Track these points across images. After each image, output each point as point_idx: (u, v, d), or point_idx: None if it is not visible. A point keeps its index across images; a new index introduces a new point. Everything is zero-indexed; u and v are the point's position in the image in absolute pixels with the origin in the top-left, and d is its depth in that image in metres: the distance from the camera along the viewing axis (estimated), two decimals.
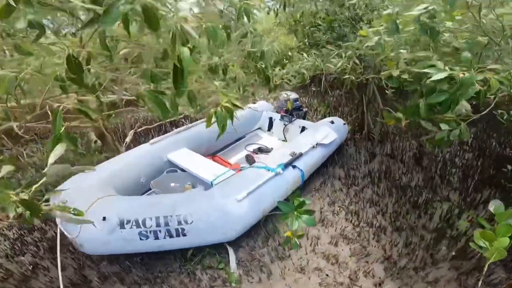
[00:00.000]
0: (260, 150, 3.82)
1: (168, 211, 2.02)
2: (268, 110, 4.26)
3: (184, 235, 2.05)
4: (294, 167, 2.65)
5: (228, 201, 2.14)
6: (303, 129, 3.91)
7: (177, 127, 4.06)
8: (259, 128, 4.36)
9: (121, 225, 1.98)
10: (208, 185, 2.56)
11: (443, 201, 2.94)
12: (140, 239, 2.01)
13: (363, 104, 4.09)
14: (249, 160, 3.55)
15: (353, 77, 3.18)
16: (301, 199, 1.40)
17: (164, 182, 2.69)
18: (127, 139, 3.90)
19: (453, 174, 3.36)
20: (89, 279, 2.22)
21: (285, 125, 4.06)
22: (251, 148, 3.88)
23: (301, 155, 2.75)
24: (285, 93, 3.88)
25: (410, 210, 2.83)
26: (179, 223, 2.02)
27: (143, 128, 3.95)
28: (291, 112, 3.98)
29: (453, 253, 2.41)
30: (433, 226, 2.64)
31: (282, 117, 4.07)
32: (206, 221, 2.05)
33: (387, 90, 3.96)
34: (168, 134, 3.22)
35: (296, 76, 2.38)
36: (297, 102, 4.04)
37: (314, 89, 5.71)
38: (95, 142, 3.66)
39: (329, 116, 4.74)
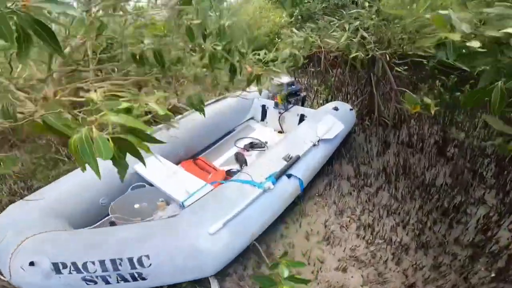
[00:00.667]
0: (252, 146, 3.23)
1: (116, 252, 1.51)
2: (260, 97, 3.62)
3: (144, 278, 1.55)
4: (289, 176, 2.08)
5: (199, 234, 1.60)
6: (302, 117, 3.29)
7: None
8: (252, 118, 3.75)
9: (56, 269, 1.50)
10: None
11: (478, 204, 2.37)
12: (87, 284, 1.53)
13: (372, 83, 3.42)
14: (239, 159, 2.99)
15: (362, 54, 2.53)
16: (290, 264, 0.84)
17: (126, 203, 2.16)
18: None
19: (485, 167, 2.76)
20: None
21: (281, 113, 3.44)
22: (242, 143, 3.30)
23: (298, 158, 2.16)
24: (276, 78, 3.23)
25: (438, 218, 2.27)
26: (133, 266, 1.51)
27: None
28: (287, 98, 3.35)
29: (493, 275, 1.89)
30: (468, 239, 2.09)
31: (276, 105, 3.44)
32: (169, 263, 1.54)
33: (399, 68, 3.31)
34: None
35: (287, 60, 1.75)
36: (294, 86, 3.39)
37: (313, 69, 5.00)
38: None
39: (331, 100, 4.10)
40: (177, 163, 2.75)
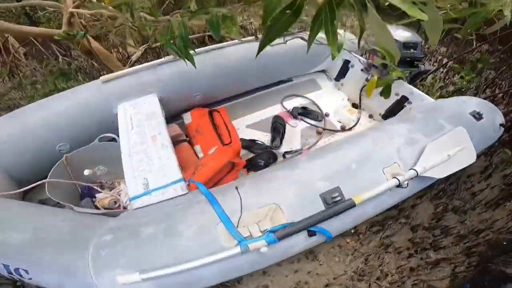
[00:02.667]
0: (305, 113, 2.21)
1: None
2: (345, 48, 2.26)
3: None
4: (313, 234, 1.16)
5: (101, 276, 0.98)
6: (401, 102, 2.01)
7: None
8: (323, 71, 2.56)
9: None
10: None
11: None
12: None
13: None
14: (276, 127, 2.07)
15: None
16: None
17: (86, 158, 1.58)
18: (133, 57, 2.72)
19: None
20: None
21: (367, 80, 2.19)
22: (292, 104, 2.29)
23: (352, 207, 1.14)
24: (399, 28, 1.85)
25: None
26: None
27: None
28: (396, 65, 1.99)
29: None
30: None
31: (369, 68, 2.16)
32: None
33: None
34: (142, 65, 1.84)
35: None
36: (415, 51, 1.97)
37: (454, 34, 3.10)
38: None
39: (471, 94, 2.51)
40: (187, 109, 1.99)
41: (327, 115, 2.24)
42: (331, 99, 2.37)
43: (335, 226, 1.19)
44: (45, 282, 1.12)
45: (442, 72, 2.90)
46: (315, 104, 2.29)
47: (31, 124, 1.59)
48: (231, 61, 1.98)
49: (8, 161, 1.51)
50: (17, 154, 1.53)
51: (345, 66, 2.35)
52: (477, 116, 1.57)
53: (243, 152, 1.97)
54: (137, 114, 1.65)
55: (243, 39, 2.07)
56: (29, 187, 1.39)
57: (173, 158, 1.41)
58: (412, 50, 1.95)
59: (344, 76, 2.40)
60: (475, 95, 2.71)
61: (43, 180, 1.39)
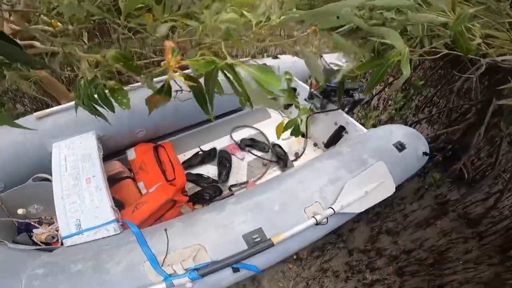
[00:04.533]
0: (253, 144, 2.29)
1: None
2: (294, 75, 2.42)
3: None
4: (236, 270, 1.20)
5: None
6: (339, 131, 2.15)
7: None
8: (273, 99, 2.68)
9: None
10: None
11: None
12: None
13: (486, 110, 2.03)
14: (222, 161, 2.11)
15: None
16: None
17: (21, 197, 1.52)
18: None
19: None
20: None
21: (313, 110, 2.32)
22: (240, 135, 2.36)
23: (270, 246, 1.21)
24: (324, 57, 1.99)
25: None
26: None
27: None
28: (329, 92, 2.15)
29: None
30: None
31: (311, 96, 2.29)
32: None
33: None
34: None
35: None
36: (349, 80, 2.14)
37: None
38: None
39: (400, 120, 2.76)
40: (132, 145, 1.98)
41: (275, 146, 2.31)
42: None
43: (261, 261, 1.25)
44: None
45: (378, 99, 3.16)
46: (263, 135, 2.38)
47: None
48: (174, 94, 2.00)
49: None
50: None
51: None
52: (400, 147, 1.71)
53: (189, 185, 1.98)
54: (71, 155, 1.61)
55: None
56: None
57: (106, 200, 1.40)
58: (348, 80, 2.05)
59: (291, 105, 2.53)
60: (413, 115, 2.97)
61: None
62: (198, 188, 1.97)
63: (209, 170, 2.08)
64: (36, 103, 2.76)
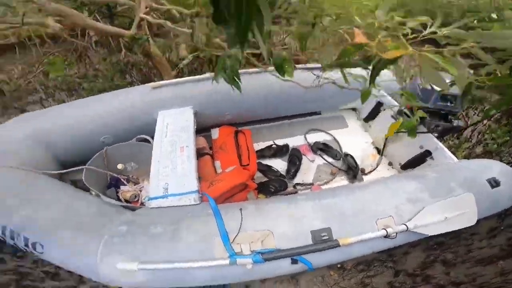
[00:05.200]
0: (326, 149, 2.29)
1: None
2: (381, 89, 2.29)
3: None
4: (295, 261, 1.25)
5: (105, 260, 1.18)
6: (422, 157, 1.99)
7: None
8: (353, 110, 2.62)
9: None
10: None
11: None
12: None
13: None
14: (292, 159, 2.16)
15: None
16: None
17: (123, 153, 1.81)
18: (181, 64, 2.96)
19: None
20: None
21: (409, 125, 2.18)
22: (315, 137, 2.38)
23: (335, 246, 1.24)
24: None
25: None
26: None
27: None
28: (426, 118, 1.94)
29: None
30: None
31: (400, 113, 2.16)
32: None
33: None
34: (186, 79, 2.04)
35: None
36: (454, 104, 1.92)
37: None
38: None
39: (497, 155, 2.41)
40: (217, 125, 2.18)
41: (347, 155, 2.27)
42: (355, 139, 2.41)
43: (319, 259, 1.29)
44: (53, 257, 1.28)
45: (474, 130, 2.80)
46: (337, 142, 2.36)
47: (84, 115, 1.85)
48: (264, 87, 2.10)
49: (57, 145, 1.77)
50: (67, 141, 1.80)
51: (377, 108, 2.37)
52: (494, 183, 1.53)
53: (258, 174, 2.10)
54: (172, 124, 1.85)
55: None
56: (70, 170, 1.63)
57: (194, 170, 1.57)
58: (449, 103, 1.88)
59: (374, 119, 2.43)
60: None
61: (83, 166, 1.63)
62: (265, 179, 2.08)
63: (279, 164, 2.16)
64: (141, 75, 3.22)
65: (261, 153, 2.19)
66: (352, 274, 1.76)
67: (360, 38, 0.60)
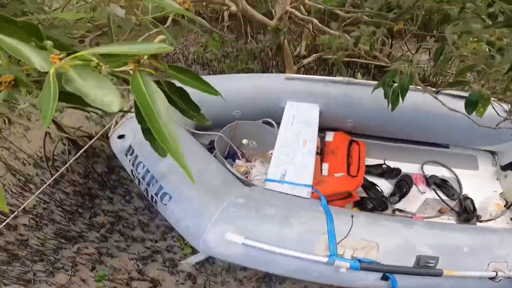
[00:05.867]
0: (441, 186, 2.09)
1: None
2: None
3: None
4: (386, 278, 1.27)
5: (216, 232, 1.31)
6: None
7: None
8: (492, 152, 2.25)
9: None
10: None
11: None
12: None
13: None
14: (401, 186, 2.06)
15: None
16: None
17: (247, 130, 2.03)
18: (305, 61, 3.08)
19: None
20: None
21: None
22: (432, 170, 2.18)
23: (439, 275, 1.21)
24: None
25: None
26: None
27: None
28: None
29: None
30: None
31: None
32: None
33: None
34: (316, 77, 2.16)
35: None
36: None
37: None
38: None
39: None
40: (332, 129, 2.26)
41: (467, 199, 2.04)
42: (481, 184, 2.12)
43: (407, 282, 1.29)
44: (172, 211, 1.39)
45: None
46: (458, 182, 2.13)
47: (223, 90, 2.20)
48: (411, 107, 1.98)
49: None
50: (205, 111, 2.19)
51: None
52: None
53: (359, 188, 2.13)
54: (298, 116, 2.01)
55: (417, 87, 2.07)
56: (206, 133, 1.93)
57: (312, 165, 1.69)
58: None
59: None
60: None
61: (218, 133, 1.85)
62: (364, 195, 2.10)
63: (384, 185, 2.14)
64: (261, 64, 3.47)
65: (369, 169, 2.19)
66: None
67: None
